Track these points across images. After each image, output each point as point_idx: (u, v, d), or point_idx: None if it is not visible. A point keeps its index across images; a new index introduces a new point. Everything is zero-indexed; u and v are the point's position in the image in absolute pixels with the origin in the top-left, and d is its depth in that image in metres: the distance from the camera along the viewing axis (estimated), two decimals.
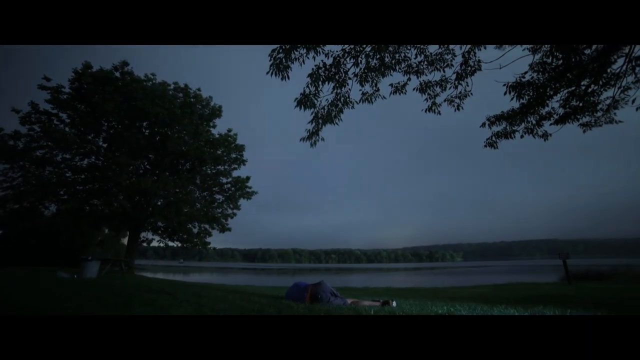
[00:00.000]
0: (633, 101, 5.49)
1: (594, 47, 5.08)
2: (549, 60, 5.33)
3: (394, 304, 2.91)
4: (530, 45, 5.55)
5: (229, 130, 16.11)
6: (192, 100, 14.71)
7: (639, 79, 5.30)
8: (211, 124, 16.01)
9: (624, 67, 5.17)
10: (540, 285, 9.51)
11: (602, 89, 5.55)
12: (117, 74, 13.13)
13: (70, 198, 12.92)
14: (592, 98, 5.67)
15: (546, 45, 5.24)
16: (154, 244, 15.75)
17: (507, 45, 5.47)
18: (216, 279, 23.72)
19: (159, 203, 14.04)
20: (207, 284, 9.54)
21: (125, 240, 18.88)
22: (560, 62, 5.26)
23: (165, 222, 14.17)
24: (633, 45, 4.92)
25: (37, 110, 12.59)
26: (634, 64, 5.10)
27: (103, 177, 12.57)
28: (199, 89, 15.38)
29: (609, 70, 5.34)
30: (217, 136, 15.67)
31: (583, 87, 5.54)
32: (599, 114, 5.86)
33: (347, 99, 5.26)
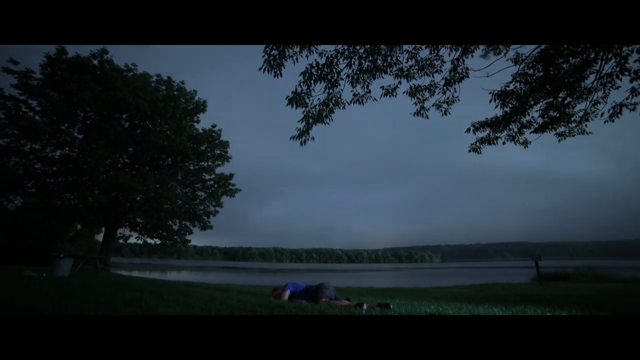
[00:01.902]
0: (602, 114, 5.92)
1: (571, 61, 5.41)
2: (531, 72, 5.62)
3: (390, 306, 2.96)
4: (514, 56, 5.83)
5: (214, 126, 15.71)
6: (175, 93, 14.19)
7: (607, 94, 5.72)
8: (195, 119, 15.55)
9: (595, 83, 5.55)
10: (515, 286, 10.03)
11: (576, 102, 5.94)
12: (96, 62, 12.42)
13: (39, 191, 12.08)
14: (567, 110, 6.05)
15: (530, 58, 5.52)
16: (132, 240, 15.08)
17: (492, 55, 5.72)
18: (195, 277, 23.04)
19: (138, 199, 13.46)
20: (189, 282, 9.26)
21: (99, 237, 17.94)
22: (541, 73, 5.57)
23: (144, 218, 13.62)
24: (603, 63, 5.30)
25: (2, 95, 11.66)
26: (604, 80, 5.48)
27: (77, 169, 11.85)
28: (182, 82, 14.85)
29: (582, 85, 5.71)
30: (200, 131, 15.24)
31: (560, 99, 5.89)
32: (573, 124, 6.26)
33: (339, 99, 5.28)
